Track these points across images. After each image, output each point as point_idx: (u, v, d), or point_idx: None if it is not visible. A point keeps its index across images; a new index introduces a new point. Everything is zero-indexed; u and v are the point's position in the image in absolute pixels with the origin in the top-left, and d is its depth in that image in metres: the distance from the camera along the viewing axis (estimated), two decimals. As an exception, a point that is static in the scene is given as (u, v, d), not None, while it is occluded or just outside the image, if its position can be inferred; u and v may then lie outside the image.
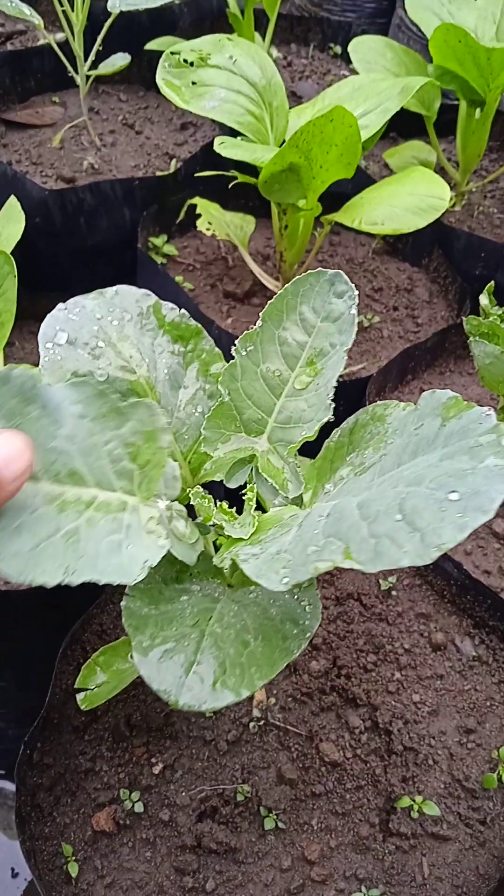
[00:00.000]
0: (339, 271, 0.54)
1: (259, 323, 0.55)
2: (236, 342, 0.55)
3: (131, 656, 0.68)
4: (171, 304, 0.60)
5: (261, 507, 0.56)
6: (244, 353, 0.56)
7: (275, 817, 0.68)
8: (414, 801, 0.70)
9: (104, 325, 0.57)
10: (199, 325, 0.60)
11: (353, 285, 0.54)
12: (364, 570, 0.37)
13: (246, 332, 0.56)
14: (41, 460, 0.47)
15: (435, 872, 0.68)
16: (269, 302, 0.56)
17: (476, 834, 0.71)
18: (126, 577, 0.45)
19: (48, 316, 0.57)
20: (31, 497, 0.46)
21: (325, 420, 0.53)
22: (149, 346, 0.59)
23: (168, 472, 0.51)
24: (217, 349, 0.61)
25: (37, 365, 0.87)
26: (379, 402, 0.50)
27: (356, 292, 0.54)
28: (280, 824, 0.68)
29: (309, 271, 0.55)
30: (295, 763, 0.72)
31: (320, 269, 0.55)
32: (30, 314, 1.13)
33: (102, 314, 0.58)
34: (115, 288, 0.59)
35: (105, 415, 0.50)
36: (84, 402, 0.49)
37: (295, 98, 1.63)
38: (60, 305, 0.58)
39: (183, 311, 0.60)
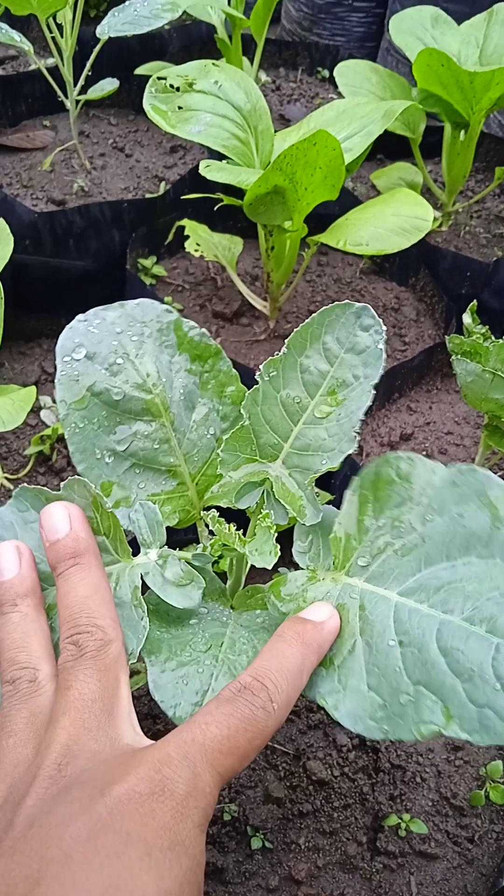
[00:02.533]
0: (367, 305, 0.54)
1: (283, 349, 0.55)
2: (261, 367, 0.55)
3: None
4: (191, 322, 0.59)
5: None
6: (266, 379, 0.55)
7: (262, 837, 0.68)
8: (401, 819, 0.70)
9: (123, 340, 0.57)
10: (218, 346, 0.60)
11: (380, 320, 0.54)
12: (473, 742, 0.38)
13: (271, 357, 0.55)
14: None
15: (423, 891, 0.68)
16: (294, 330, 0.56)
17: (464, 852, 0.71)
18: None
19: (67, 327, 0.56)
20: None
21: (350, 452, 0.52)
22: (166, 364, 0.58)
23: (150, 517, 0.52)
24: (234, 371, 0.60)
25: (25, 385, 0.88)
26: (401, 455, 0.48)
27: (384, 327, 0.53)
28: (267, 844, 0.68)
29: (336, 303, 0.54)
30: (282, 782, 0.72)
31: (347, 301, 0.54)
32: (19, 335, 1.14)
33: (122, 328, 0.57)
34: (136, 301, 0.59)
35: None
36: (24, 509, 0.52)
37: (283, 121, 1.65)
38: (80, 316, 0.57)
39: (203, 329, 0.60)
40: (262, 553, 0.52)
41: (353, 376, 0.53)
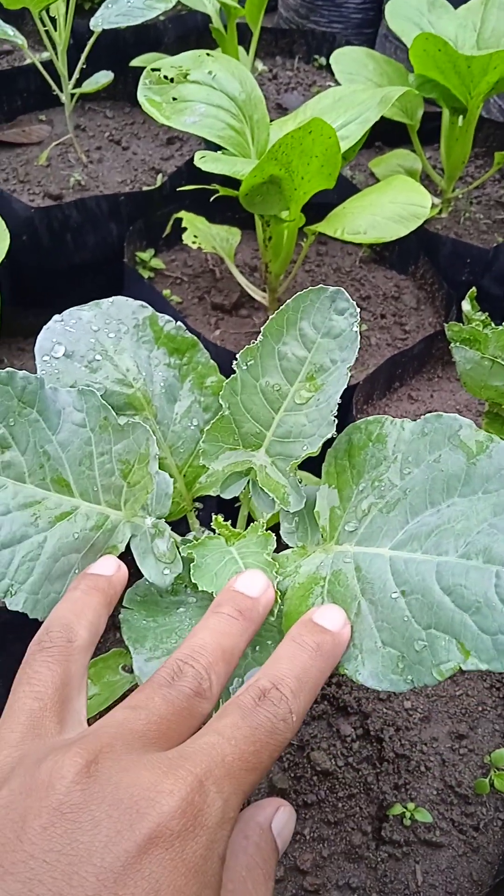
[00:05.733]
0: (341, 288, 0.54)
1: (259, 338, 0.55)
2: (237, 356, 0.55)
3: (123, 668, 0.69)
4: (167, 317, 0.60)
5: (252, 518, 0.57)
6: (244, 368, 0.55)
7: (267, 828, 0.68)
8: (406, 808, 0.70)
9: (101, 338, 0.58)
10: (195, 338, 0.60)
11: (353, 302, 0.54)
12: (493, 670, 0.38)
13: (247, 346, 0.55)
14: (30, 462, 0.49)
15: (428, 880, 0.68)
16: (269, 317, 0.55)
17: (469, 840, 0.71)
18: None
19: (44, 328, 0.57)
20: (10, 497, 0.48)
21: (329, 436, 0.52)
22: (145, 359, 0.59)
23: (161, 487, 0.51)
24: (212, 361, 0.61)
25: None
26: (370, 419, 0.49)
27: (358, 310, 0.53)
28: (272, 835, 0.68)
29: (310, 287, 0.54)
30: (286, 773, 0.72)
31: (321, 285, 0.54)
32: (17, 331, 1.14)
33: (99, 326, 0.58)
34: (111, 299, 0.60)
35: (103, 427, 0.51)
36: (87, 411, 0.51)
37: (281, 110, 1.64)
38: (56, 317, 0.58)
39: (179, 323, 0.60)
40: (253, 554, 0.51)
41: (330, 360, 0.53)
